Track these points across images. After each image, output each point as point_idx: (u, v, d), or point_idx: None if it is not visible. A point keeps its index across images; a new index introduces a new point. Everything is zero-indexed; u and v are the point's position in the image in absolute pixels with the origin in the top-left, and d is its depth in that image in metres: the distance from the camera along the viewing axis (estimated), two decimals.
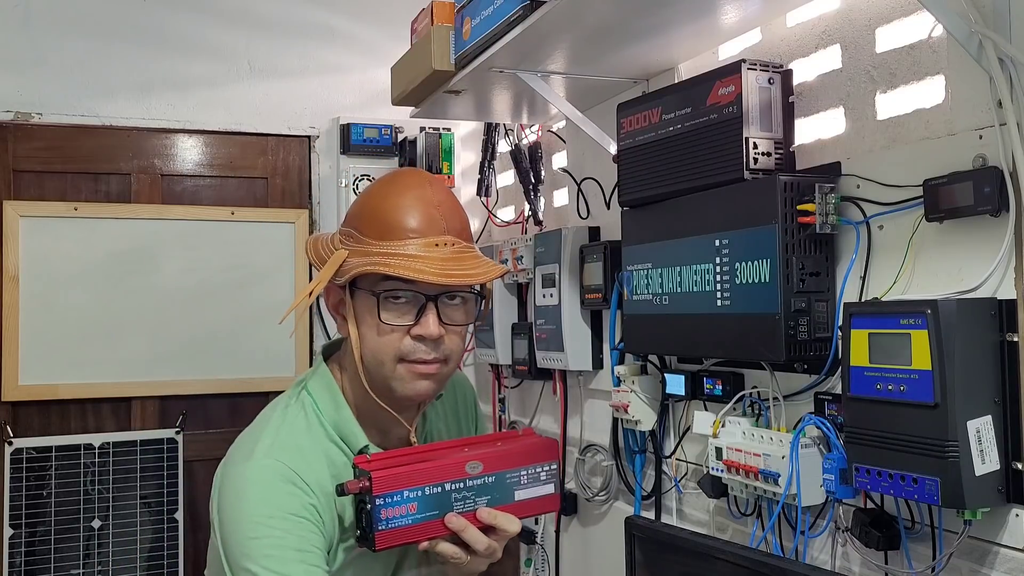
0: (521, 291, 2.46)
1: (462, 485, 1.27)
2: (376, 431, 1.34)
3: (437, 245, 1.26)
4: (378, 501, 1.21)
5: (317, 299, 1.63)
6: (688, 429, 1.75)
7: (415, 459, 1.27)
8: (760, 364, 1.51)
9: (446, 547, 1.24)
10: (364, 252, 1.27)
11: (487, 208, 2.73)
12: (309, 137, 2.91)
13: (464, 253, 1.29)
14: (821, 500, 1.36)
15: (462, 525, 1.24)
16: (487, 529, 1.26)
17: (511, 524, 1.26)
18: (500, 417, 2.60)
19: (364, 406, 1.32)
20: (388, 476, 1.22)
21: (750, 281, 1.41)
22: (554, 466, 1.35)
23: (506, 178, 2.69)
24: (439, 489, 1.25)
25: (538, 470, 1.33)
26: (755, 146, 1.43)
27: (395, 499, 1.22)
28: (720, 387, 1.62)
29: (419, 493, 1.24)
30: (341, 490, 1.21)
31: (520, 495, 1.32)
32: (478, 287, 1.33)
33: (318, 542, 1.22)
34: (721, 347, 1.51)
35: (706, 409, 1.64)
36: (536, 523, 2.37)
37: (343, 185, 2.89)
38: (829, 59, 1.45)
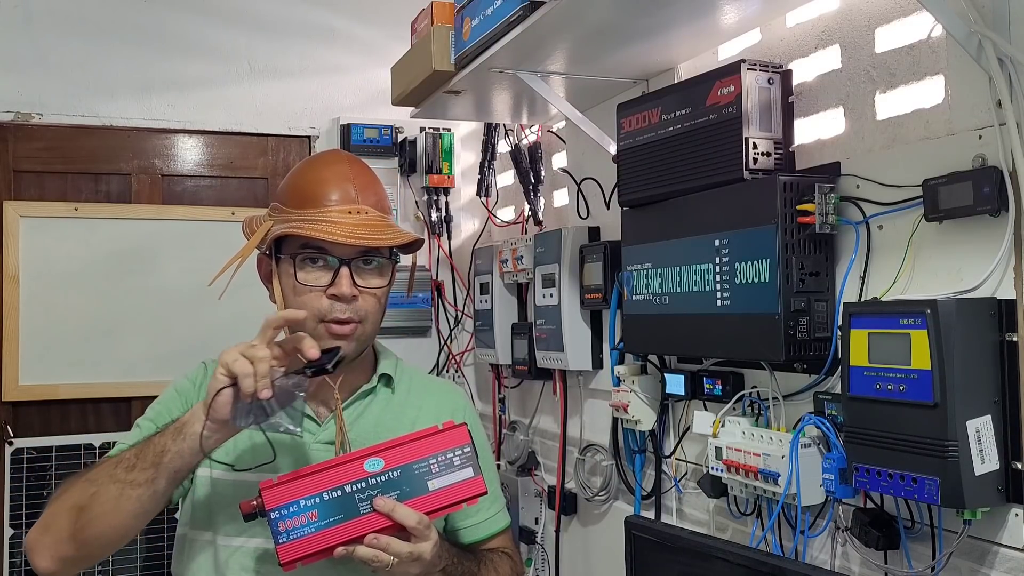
0: (521, 291, 2.46)
1: (364, 484, 1.24)
2: (309, 398, 1.41)
3: (351, 212, 1.38)
4: (273, 515, 1.22)
5: None
6: (688, 429, 1.75)
7: (315, 469, 1.26)
8: (760, 364, 1.51)
9: (363, 552, 1.22)
10: (284, 220, 1.39)
11: (487, 208, 2.73)
12: (309, 137, 2.91)
13: (378, 222, 1.40)
14: (821, 500, 1.36)
15: (384, 543, 1.22)
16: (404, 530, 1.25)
17: (408, 518, 1.23)
18: (500, 417, 2.60)
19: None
20: (280, 489, 1.22)
21: (750, 281, 1.41)
22: (467, 449, 1.30)
23: (506, 178, 2.69)
24: (339, 492, 1.23)
25: (449, 456, 1.29)
26: (755, 146, 1.44)
27: (291, 510, 1.22)
28: (720, 387, 1.62)
29: (317, 500, 1.22)
30: (243, 516, 1.24)
31: (435, 484, 1.27)
32: (388, 252, 1.43)
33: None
34: (721, 347, 1.52)
35: (706, 409, 1.64)
36: (536, 523, 2.37)
37: None
38: (829, 59, 1.45)
